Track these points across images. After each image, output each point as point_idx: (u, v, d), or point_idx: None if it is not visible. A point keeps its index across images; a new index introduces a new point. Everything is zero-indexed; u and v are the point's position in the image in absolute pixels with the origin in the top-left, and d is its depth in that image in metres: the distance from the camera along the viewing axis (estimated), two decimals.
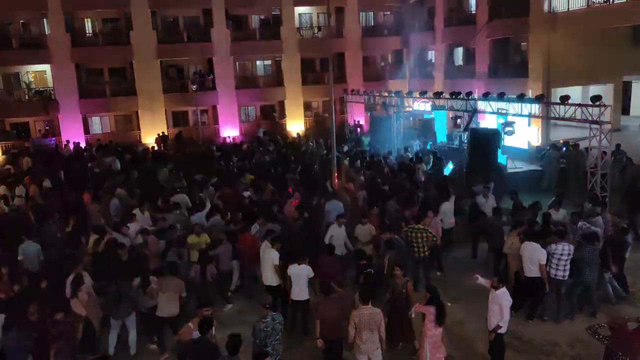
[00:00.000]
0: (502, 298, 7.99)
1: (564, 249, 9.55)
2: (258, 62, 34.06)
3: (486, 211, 12.85)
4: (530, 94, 20.98)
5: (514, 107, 18.44)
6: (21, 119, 29.53)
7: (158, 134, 28.50)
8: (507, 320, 8.09)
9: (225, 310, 10.83)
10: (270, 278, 9.89)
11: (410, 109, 24.22)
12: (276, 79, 33.22)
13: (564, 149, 18.82)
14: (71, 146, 26.50)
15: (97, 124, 30.94)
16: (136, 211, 13.13)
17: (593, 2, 22.15)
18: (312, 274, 9.38)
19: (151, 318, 9.22)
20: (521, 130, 20.50)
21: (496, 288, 8.04)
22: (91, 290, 9.27)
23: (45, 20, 28.75)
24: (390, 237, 10.54)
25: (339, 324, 7.88)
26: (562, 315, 9.83)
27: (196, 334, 7.30)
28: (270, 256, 9.84)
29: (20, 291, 9.86)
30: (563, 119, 16.70)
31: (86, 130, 29.88)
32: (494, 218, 12.09)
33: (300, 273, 9.32)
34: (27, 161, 22.60)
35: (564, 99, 15.97)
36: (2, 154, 27.71)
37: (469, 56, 30.14)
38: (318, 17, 34.14)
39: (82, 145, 27.40)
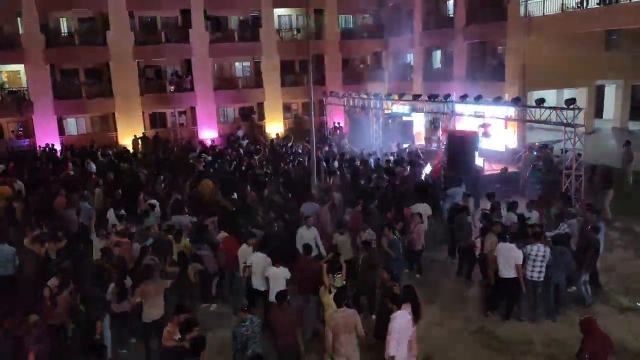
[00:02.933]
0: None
1: (539, 250, 9.68)
2: (237, 64, 33.89)
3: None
4: (507, 97, 21.30)
5: (491, 110, 18.71)
6: None
7: (135, 136, 28.14)
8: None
9: (212, 309, 10.81)
10: (259, 283, 9.81)
11: (390, 112, 24.39)
12: (255, 80, 33.09)
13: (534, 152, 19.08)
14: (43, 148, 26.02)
15: (73, 126, 30.40)
16: (110, 214, 13.00)
17: (567, 7, 22.57)
18: (289, 276, 9.37)
19: (130, 322, 9.07)
20: (498, 133, 20.79)
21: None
22: (65, 294, 9.09)
23: (19, 19, 28.16)
24: (366, 239, 10.59)
25: (291, 333, 7.73)
26: (539, 316, 9.96)
27: (177, 337, 7.31)
28: (260, 261, 9.77)
29: None
30: (539, 121, 17.00)
31: (61, 131, 29.33)
32: (460, 215, 12.24)
33: (278, 275, 9.31)
34: None
35: (540, 102, 16.27)
36: None
37: (447, 59, 30.45)
38: (298, 19, 34.15)
39: (57, 147, 26.89)
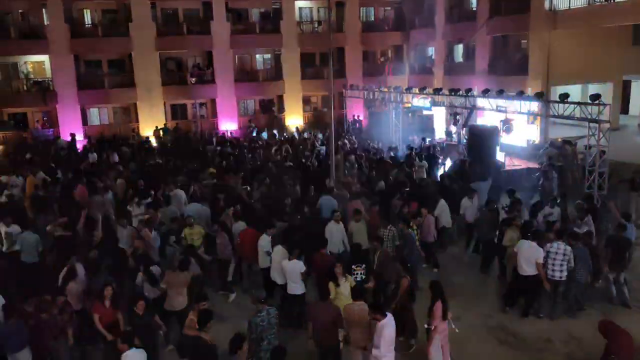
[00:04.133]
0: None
1: (559, 248, 9.55)
2: (258, 56, 33.94)
3: (467, 213, 12.97)
4: (529, 91, 20.98)
5: (513, 105, 18.46)
6: (19, 109, 29.40)
7: (156, 127, 28.43)
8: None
9: (230, 300, 10.91)
10: (277, 275, 9.88)
11: (410, 105, 24.23)
12: (275, 72, 33.13)
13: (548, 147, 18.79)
14: (68, 138, 26.42)
15: (95, 116, 30.84)
16: (132, 205, 13.16)
17: (594, 0, 22.12)
18: (304, 269, 9.39)
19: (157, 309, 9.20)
20: (520, 128, 20.54)
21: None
22: (83, 282, 9.26)
23: (44, 10, 28.57)
24: (379, 234, 10.58)
25: (334, 330, 7.63)
26: (558, 313, 9.85)
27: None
28: (279, 253, 9.83)
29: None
30: (562, 117, 16.73)
31: (84, 121, 29.76)
32: (483, 210, 12.14)
33: (294, 268, 9.35)
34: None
35: (563, 97, 16.00)
36: (0, 143, 27.62)
37: (469, 53, 30.11)
38: (318, 11, 34.02)
39: (79, 137, 27.29)
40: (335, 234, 10.94)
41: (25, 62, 29.90)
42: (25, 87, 29.15)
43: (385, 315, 7.12)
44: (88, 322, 8.80)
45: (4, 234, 11.74)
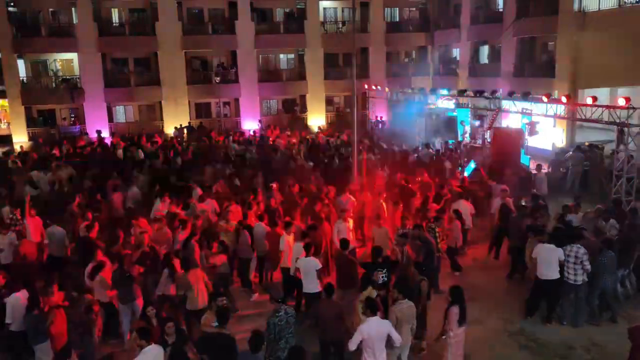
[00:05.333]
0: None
1: (572, 251, 9.38)
2: (281, 56, 34.11)
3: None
4: (556, 94, 20.68)
5: (539, 107, 18.20)
6: (48, 106, 30.04)
7: (180, 125, 28.72)
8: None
9: (251, 299, 10.97)
10: (294, 271, 9.98)
11: (433, 106, 24.06)
12: (298, 72, 33.24)
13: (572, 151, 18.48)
14: (94, 135, 26.87)
15: (121, 113, 31.34)
16: (157, 201, 13.33)
17: (625, 2, 21.67)
18: (319, 266, 9.40)
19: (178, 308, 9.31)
20: (546, 131, 20.24)
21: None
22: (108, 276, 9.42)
23: (73, 9, 29.15)
24: (406, 232, 10.54)
25: (338, 325, 7.78)
26: (580, 320, 9.68)
27: (214, 324, 7.41)
28: (297, 250, 9.91)
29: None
30: (589, 120, 16.43)
31: (110, 118, 30.28)
32: (516, 216, 11.99)
33: (308, 265, 9.38)
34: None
35: (591, 101, 15.71)
36: (29, 140, 28.24)
37: (495, 54, 29.78)
38: (343, 11, 34.03)
39: (105, 134, 27.72)
40: (342, 233, 11.02)
41: (54, 60, 30.56)
42: (54, 85, 29.77)
43: (374, 314, 7.14)
44: (113, 315, 9.02)
45: (33, 226, 12.03)
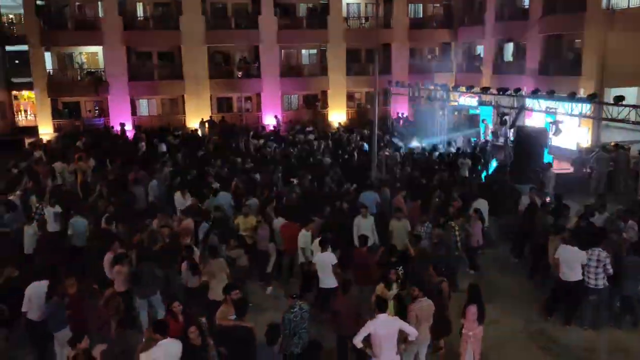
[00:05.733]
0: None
1: (594, 254, 9.22)
2: (303, 51, 34.08)
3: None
4: (582, 93, 20.28)
5: (563, 106, 17.87)
6: (73, 98, 30.51)
7: (202, 119, 28.97)
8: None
9: (267, 292, 11.03)
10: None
11: (456, 104, 23.83)
12: (320, 68, 33.18)
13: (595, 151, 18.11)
14: (118, 128, 27.26)
15: (144, 107, 31.66)
16: (177, 195, 13.46)
17: None
18: (334, 262, 9.39)
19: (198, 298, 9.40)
20: (570, 131, 19.90)
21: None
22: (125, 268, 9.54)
23: (99, 3, 29.52)
24: (417, 233, 10.51)
25: (355, 321, 7.72)
26: (602, 323, 9.50)
27: (233, 317, 7.48)
28: (317, 247, 9.90)
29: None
30: (616, 120, 16.09)
31: (133, 112, 30.63)
32: (540, 214, 11.83)
33: (325, 260, 9.37)
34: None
35: (618, 100, 15.38)
36: (54, 131, 28.74)
37: (519, 52, 29.32)
38: (366, 7, 33.84)
39: (128, 127, 28.09)
40: (362, 228, 11.01)
41: (80, 53, 31.02)
42: (79, 77, 30.22)
43: (383, 312, 7.12)
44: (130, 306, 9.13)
45: (52, 215, 12.26)
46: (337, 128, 28.21)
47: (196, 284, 9.55)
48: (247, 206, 12.06)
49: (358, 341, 6.96)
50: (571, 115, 17.79)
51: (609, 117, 16.34)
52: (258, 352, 6.98)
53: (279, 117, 30.52)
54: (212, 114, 30.63)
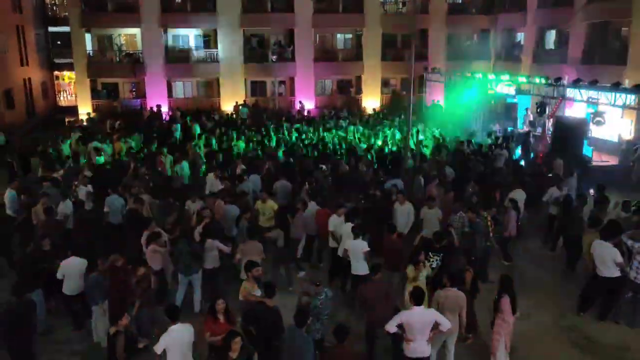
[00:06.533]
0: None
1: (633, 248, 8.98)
2: (339, 35, 33.81)
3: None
4: (626, 83, 19.53)
5: (606, 97, 17.26)
6: (111, 79, 31.13)
7: (236, 102, 29.14)
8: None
9: (300, 276, 11.13)
10: (342, 251, 10.01)
11: (493, 92, 23.30)
12: (355, 53, 32.88)
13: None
14: (155, 109, 27.70)
15: (180, 89, 32.04)
16: (209, 176, 13.62)
17: None
18: (367, 248, 9.39)
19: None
20: (612, 122, 19.25)
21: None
22: (164, 245, 9.75)
23: None
24: (449, 223, 10.41)
25: (384, 306, 7.74)
26: (638, 322, 9.24)
27: (257, 292, 7.63)
28: (346, 231, 9.95)
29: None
30: None
31: (169, 94, 31.03)
32: (575, 206, 11.55)
33: (357, 247, 9.38)
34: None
35: None
36: (93, 111, 29.40)
37: (562, 40, 28.41)
38: None
39: (164, 108, 28.52)
40: (398, 215, 11.19)
41: (119, 35, 31.51)
42: (117, 59, 30.76)
43: (419, 304, 7.02)
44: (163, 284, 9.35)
45: (85, 194, 12.59)
46: (370, 114, 27.97)
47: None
48: (265, 192, 12.11)
49: (390, 327, 6.97)
50: (614, 105, 17.18)
51: None
52: (286, 334, 7.05)
53: (302, 103, 30.43)
54: (245, 97, 30.79)
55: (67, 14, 29.33)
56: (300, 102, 30.35)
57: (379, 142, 19.88)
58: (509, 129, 22.13)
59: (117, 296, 8.39)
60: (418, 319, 6.92)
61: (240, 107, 28.54)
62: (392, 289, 8.53)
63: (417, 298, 7.02)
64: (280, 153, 17.18)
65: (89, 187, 12.96)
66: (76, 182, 13.39)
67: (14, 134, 23.68)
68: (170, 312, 6.95)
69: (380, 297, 7.85)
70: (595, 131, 18.98)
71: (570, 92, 18.52)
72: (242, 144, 18.80)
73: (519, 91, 21.49)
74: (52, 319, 9.29)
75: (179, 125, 22.54)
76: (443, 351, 7.81)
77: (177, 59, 30.69)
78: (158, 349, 6.66)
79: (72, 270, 8.77)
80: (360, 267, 9.43)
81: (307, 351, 6.60)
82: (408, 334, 6.98)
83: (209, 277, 9.80)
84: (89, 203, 12.40)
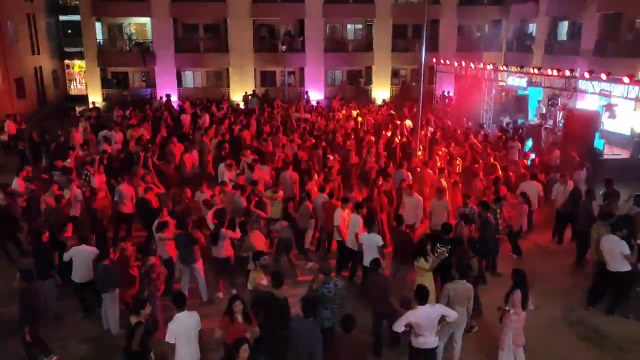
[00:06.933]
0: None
1: None
2: (349, 26, 33.65)
3: (559, 200, 12.35)
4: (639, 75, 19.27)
5: (619, 89, 17.04)
6: (121, 68, 31.21)
7: (245, 92, 29.12)
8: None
9: (307, 267, 11.16)
10: (352, 242, 10.07)
11: (504, 84, 23.09)
12: (365, 43, 32.72)
13: None
14: (164, 99, 27.71)
15: (190, 78, 32.09)
16: (221, 166, 13.66)
17: None
18: (381, 243, 9.39)
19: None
20: (625, 115, 19.02)
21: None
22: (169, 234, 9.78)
23: None
24: (463, 212, 10.37)
25: (386, 298, 7.80)
26: None
27: (264, 282, 7.65)
28: (353, 222, 9.98)
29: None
30: None
31: (179, 83, 31.07)
32: (584, 200, 11.45)
33: (371, 241, 9.38)
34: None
35: None
36: (102, 100, 29.51)
37: (574, 31, 28.09)
38: None
39: (173, 98, 28.54)
40: (407, 206, 11.25)
41: (129, 24, 31.56)
42: (127, 48, 30.81)
43: (423, 304, 6.98)
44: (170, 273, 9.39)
45: (96, 182, 12.68)
46: (379, 106, 27.84)
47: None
48: (277, 182, 12.19)
49: (399, 327, 6.99)
50: (627, 98, 16.97)
51: None
52: (294, 323, 7.06)
53: (308, 94, 30.31)
54: (255, 87, 30.76)
55: (77, 2, 29.41)
56: (306, 93, 30.27)
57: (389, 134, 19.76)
58: (519, 121, 21.94)
59: (127, 284, 8.44)
60: (425, 317, 6.92)
61: (250, 97, 28.53)
62: (403, 281, 8.52)
63: (422, 297, 6.99)
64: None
65: (101, 176, 13.02)
66: (85, 172, 13.44)
67: (25, 122, 23.82)
68: (176, 300, 6.97)
69: (380, 290, 7.87)
70: (607, 124, 18.76)
71: (582, 85, 18.30)
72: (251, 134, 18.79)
73: (530, 83, 21.27)
74: (62, 306, 9.38)
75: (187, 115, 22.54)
76: (451, 343, 7.82)
77: (187, 48, 30.69)
78: (169, 337, 6.68)
79: (80, 257, 8.84)
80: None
81: (316, 341, 6.61)
82: (416, 331, 7.00)
83: (222, 267, 9.86)
84: (100, 191, 12.46)
